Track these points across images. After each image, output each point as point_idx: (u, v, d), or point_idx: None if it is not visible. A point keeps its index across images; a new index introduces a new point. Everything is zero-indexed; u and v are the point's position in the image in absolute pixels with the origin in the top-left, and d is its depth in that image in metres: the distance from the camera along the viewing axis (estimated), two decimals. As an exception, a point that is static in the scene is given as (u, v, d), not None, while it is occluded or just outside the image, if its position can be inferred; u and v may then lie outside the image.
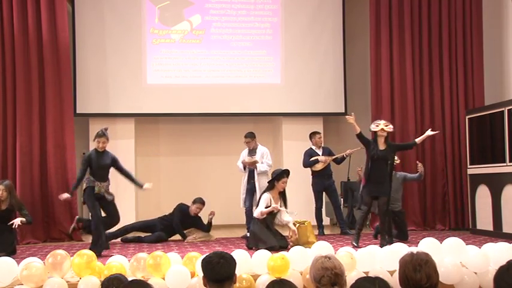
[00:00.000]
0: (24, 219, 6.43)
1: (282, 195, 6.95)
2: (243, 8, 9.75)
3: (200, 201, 8.21)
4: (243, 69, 9.71)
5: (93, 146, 9.15)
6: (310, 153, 8.57)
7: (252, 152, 8.21)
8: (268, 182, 7.04)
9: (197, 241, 7.80)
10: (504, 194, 7.58)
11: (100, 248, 6.33)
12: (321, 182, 8.43)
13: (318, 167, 8.47)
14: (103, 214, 6.78)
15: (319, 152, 8.59)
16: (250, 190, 8.13)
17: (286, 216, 6.89)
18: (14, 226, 6.31)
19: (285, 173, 6.96)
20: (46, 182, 8.37)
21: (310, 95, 9.80)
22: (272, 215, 6.84)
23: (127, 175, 6.92)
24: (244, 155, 8.26)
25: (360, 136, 6.85)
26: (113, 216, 6.83)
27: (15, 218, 6.45)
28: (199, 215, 8.24)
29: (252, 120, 10.26)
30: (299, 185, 8.62)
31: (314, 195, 8.51)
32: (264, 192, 6.91)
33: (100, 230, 6.50)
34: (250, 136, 8.25)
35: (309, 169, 8.56)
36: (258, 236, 6.61)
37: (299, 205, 8.24)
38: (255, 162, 8.08)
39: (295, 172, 8.65)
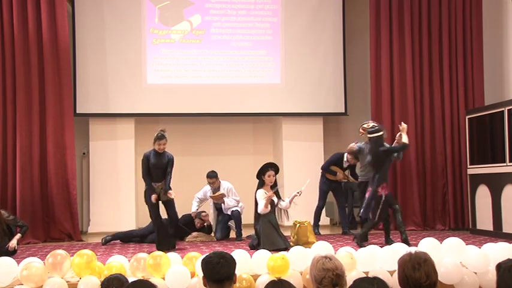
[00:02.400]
0: (19, 234, 6.42)
1: (273, 187, 6.81)
2: (243, 8, 9.74)
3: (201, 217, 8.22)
4: (243, 69, 9.71)
5: (92, 146, 9.23)
6: (338, 158, 8.37)
7: (216, 191, 8.08)
8: (257, 177, 6.84)
9: (197, 241, 7.81)
10: (504, 194, 7.58)
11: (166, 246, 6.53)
12: (330, 182, 8.40)
13: (330, 177, 8.42)
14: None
15: (345, 164, 8.41)
16: (222, 221, 8.06)
17: (284, 203, 6.81)
18: (11, 249, 6.19)
19: (269, 166, 6.86)
20: (46, 182, 8.37)
21: (310, 95, 9.79)
22: (273, 208, 6.73)
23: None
24: (209, 194, 8.12)
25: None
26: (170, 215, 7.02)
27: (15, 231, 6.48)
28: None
29: (252, 120, 10.27)
30: (299, 185, 8.58)
31: (319, 193, 8.48)
32: (257, 190, 6.78)
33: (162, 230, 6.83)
34: (216, 176, 8.07)
35: (309, 169, 8.55)
36: (267, 236, 6.49)
37: (299, 205, 8.21)
38: (222, 195, 7.94)
39: (296, 172, 8.69)
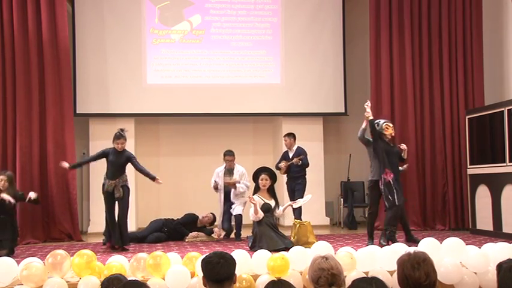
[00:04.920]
0: (36, 194, 6.71)
1: (272, 193, 6.92)
2: (243, 8, 9.74)
3: (213, 215, 8.30)
4: (243, 69, 9.71)
5: (92, 146, 9.23)
6: (283, 156, 8.53)
7: (229, 171, 8.13)
8: (253, 181, 7.03)
9: (197, 241, 7.83)
10: (504, 194, 7.58)
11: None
12: (290, 183, 8.38)
13: (281, 172, 8.46)
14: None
15: (291, 154, 8.52)
16: (228, 212, 8.12)
17: (279, 210, 6.90)
18: (27, 200, 6.59)
19: (261, 170, 6.94)
20: (46, 182, 8.38)
21: (310, 95, 9.79)
22: (270, 212, 6.79)
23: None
24: (220, 174, 8.18)
25: (371, 124, 6.83)
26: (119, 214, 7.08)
27: (15, 210, 6.68)
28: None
29: (252, 120, 10.27)
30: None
31: (288, 194, 8.49)
32: (253, 194, 6.88)
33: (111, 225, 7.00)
34: (233, 154, 8.18)
35: (309, 169, 8.54)
36: (262, 237, 6.54)
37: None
38: (236, 181, 8.00)
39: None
